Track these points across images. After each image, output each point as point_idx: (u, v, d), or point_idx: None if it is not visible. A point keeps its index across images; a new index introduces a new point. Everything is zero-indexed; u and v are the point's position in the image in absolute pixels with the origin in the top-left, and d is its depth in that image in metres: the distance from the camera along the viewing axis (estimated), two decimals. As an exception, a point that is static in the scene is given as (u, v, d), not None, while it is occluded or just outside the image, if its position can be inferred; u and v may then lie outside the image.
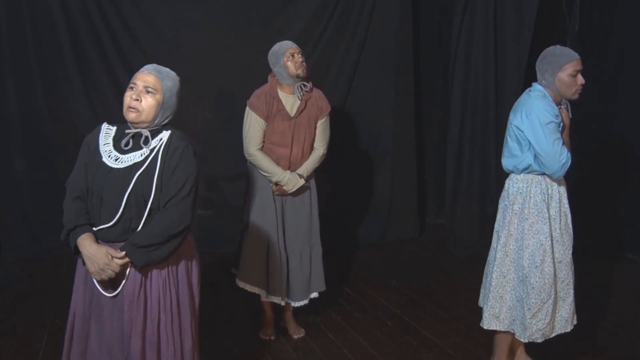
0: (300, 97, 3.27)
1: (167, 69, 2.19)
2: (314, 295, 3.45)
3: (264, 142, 3.29)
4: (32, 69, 4.44)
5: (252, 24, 4.73)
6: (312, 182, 3.44)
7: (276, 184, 3.28)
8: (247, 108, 3.28)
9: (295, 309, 3.50)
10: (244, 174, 3.53)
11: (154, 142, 2.10)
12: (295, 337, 3.48)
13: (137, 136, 2.13)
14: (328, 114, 3.38)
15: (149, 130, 2.12)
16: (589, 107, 4.73)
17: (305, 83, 3.29)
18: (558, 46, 2.78)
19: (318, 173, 3.46)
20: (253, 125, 3.25)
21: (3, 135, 4.50)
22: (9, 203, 4.56)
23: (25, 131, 4.51)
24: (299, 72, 3.21)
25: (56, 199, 4.51)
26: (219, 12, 4.68)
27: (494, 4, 4.76)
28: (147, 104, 2.08)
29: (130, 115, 2.08)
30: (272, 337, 3.46)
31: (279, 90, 3.27)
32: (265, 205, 3.31)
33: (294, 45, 3.26)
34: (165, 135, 2.12)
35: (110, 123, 2.22)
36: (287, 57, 3.21)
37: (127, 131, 2.13)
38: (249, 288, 3.32)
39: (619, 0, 4.93)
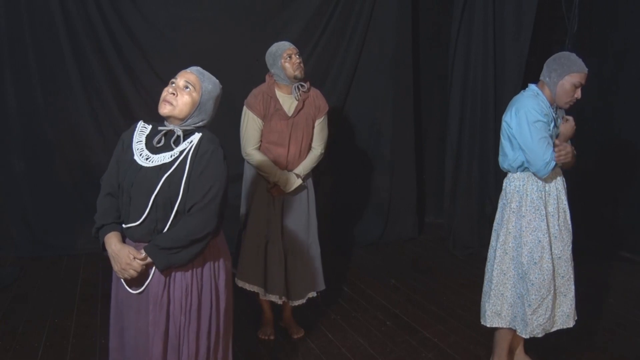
0: (297, 98, 3.26)
1: (210, 74, 2.17)
2: (312, 294, 3.45)
3: (261, 141, 3.28)
4: (31, 69, 4.44)
5: (251, 24, 4.73)
6: (309, 182, 3.43)
7: (274, 183, 3.27)
8: (245, 107, 3.27)
9: (294, 309, 3.51)
10: (242, 174, 3.53)
11: (184, 144, 2.08)
12: (295, 337, 3.48)
13: (169, 135, 2.12)
14: (326, 113, 3.37)
15: (182, 130, 2.10)
16: (589, 106, 4.73)
17: (303, 84, 3.27)
18: (574, 54, 2.80)
19: (317, 173, 3.46)
20: (250, 125, 3.24)
21: (2, 135, 4.50)
22: (8, 203, 4.56)
23: (24, 131, 4.52)
24: (297, 73, 3.19)
25: (56, 199, 4.61)
26: (219, 13, 4.68)
27: (493, 4, 4.76)
28: (183, 100, 2.08)
29: (164, 109, 2.07)
30: (272, 337, 3.46)
31: (276, 90, 3.26)
32: (263, 205, 3.31)
33: (292, 46, 3.24)
34: (195, 137, 2.09)
35: (147, 121, 2.21)
36: (284, 58, 3.19)
37: (159, 128, 2.13)
38: (248, 287, 3.33)
39: (618, 0, 4.93)
